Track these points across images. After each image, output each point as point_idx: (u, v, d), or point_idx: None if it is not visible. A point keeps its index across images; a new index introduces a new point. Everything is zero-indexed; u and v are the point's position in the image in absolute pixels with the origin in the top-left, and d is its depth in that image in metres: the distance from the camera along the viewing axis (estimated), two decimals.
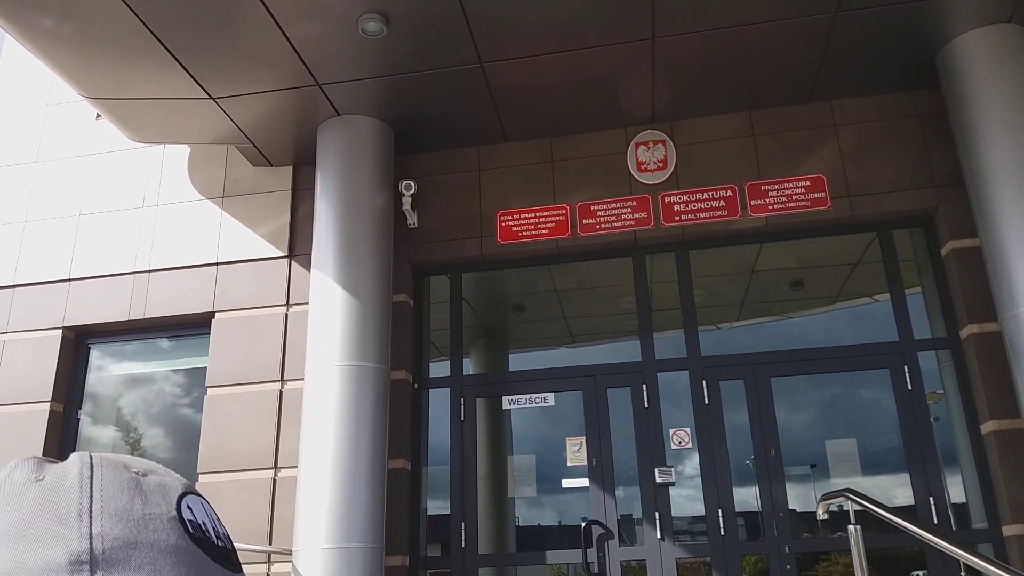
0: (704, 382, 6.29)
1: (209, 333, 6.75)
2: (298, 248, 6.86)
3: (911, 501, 5.81)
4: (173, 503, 0.52)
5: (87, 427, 7.06)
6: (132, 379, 7.28)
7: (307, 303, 6.45)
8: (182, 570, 0.48)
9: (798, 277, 7.12)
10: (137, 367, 7.28)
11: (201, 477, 6.38)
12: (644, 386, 6.33)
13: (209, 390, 6.63)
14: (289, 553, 5.56)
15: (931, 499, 5.76)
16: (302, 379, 6.24)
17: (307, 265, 6.72)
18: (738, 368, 6.35)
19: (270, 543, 5.96)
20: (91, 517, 0.48)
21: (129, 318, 6.91)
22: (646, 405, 6.28)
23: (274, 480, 6.23)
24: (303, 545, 5.34)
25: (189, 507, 0.53)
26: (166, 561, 0.48)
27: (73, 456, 0.52)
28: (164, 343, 7.26)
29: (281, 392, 6.49)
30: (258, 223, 6.96)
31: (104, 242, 7.19)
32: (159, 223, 7.18)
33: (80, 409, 7.00)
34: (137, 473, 0.52)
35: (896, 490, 6.01)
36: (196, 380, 6.94)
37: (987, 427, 5.75)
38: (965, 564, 5.51)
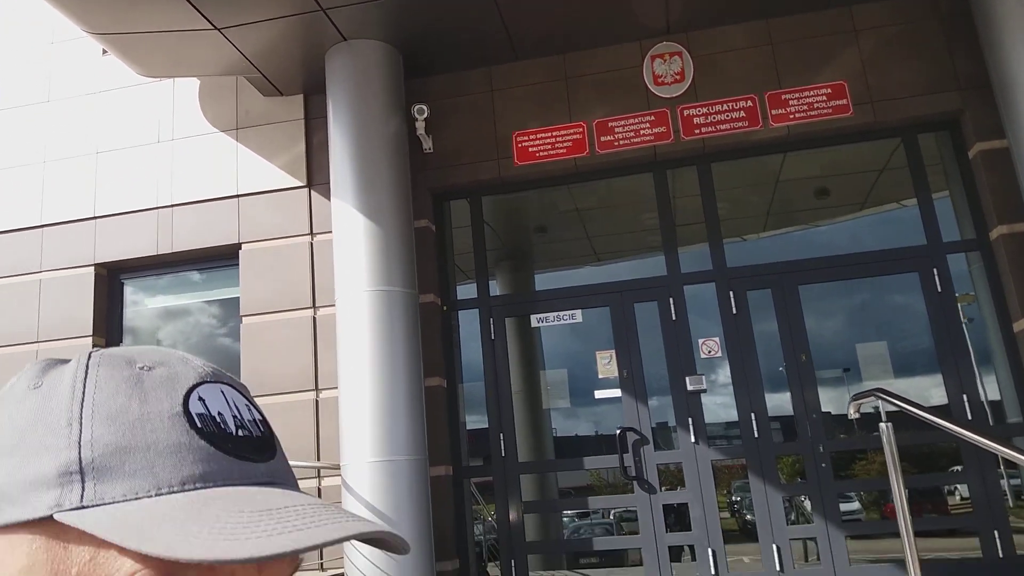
0: (731, 292, 6.30)
1: (237, 264, 6.80)
2: (316, 177, 6.87)
3: (945, 400, 5.86)
4: (179, 397, 0.48)
5: None
6: (168, 312, 7.39)
7: (331, 232, 6.48)
8: (185, 470, 0.45)
9: (823, 185, 7.08)
10: (171, 300, 7.38)
11: None
12: (671, 299, 6.36)
13: (244, 319, 6.72)
14: (337, 468, 5.69)
15: (964, 396, 5.80)
16: (333, 305, 6.31)
17: (327, 194, 6.73)
18: (765, 278, 6.35)
19: (318, 459, 6.11)
20: (81, 424, 0.45)
21: (157, 252, 6.97)
22: (674, 318, 6.31)
23: (316, 401, 6.35)
24: (350, 460, 5.46)
25: (201, 398, 0.49)
26: (165, 463, 0.45)
27: (74, 357, 0.49)
28: (195, 275, 7.34)
29: (314, 318, 6.57)
30: (274, 154, 6.95)
31: (125, 179, 7.22)
32: (177, 157, 7.18)
33: (121, 343, 7.11)
34: (142, 368, 0.49)
35: (931, 390, 6.05)
36: (230, 310, 7.03)
37: (1019, 325, 5.76)
38: (1002, 458, 5.58)
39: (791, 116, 6.49)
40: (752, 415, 5.97)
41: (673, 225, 6.63)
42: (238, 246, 6.85)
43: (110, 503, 0.42)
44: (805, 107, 6.50)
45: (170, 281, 7.36)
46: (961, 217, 6.37)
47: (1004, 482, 5.76)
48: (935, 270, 6.12)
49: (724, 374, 6.21)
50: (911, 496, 5.86)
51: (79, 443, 0.44)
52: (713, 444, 6.04)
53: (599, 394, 6.35)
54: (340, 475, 5.57)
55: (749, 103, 6.56)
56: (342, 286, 5.88)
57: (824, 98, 6.50)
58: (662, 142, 6.59)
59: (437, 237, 6.88)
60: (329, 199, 6.44)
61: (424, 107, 6.42)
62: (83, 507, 0.42)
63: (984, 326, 6.13)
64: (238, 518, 0.42)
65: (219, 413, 0.49)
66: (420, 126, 6.52)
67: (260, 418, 0.52)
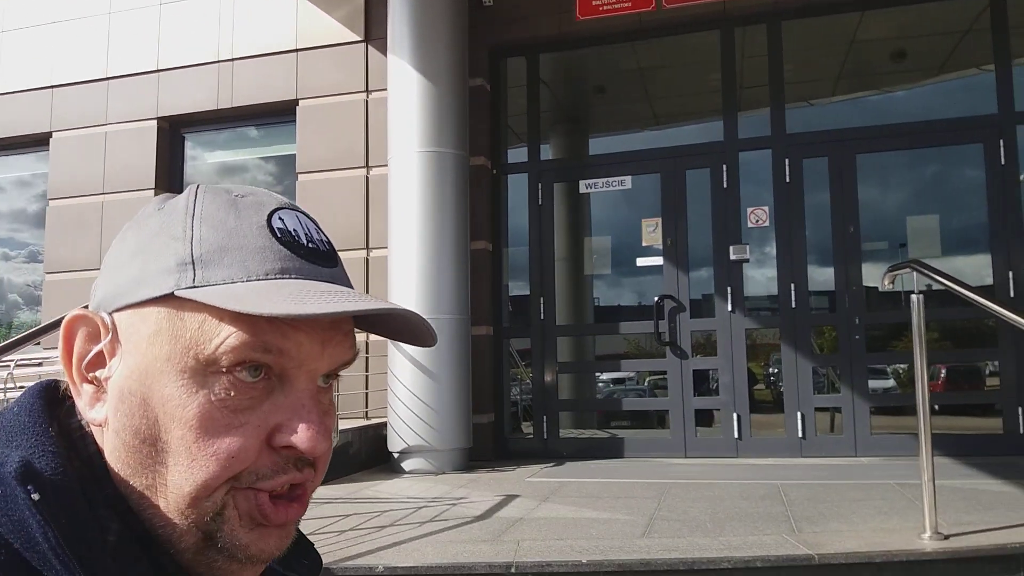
0: (787, 160, 6.20)
1: (295, 121, 6.94)
2: (374, 32, 6.81)
3: (991, 278, 5.80)
4: (264, 215, 0.62)
5: None
6: (225, 167, 7.65)
7: (386, 89, 6.51)
8: (267, 264, 0.59)
9: (900, 48, 6.68)
10: (229, 155, 7.63)
11: None
12: (724, 166, 6.29)
13: (299, 176, 6.95)
14: None
15: (1010, 273, 5.74)
16: (386, 165, 6.46)
17: (384, 50, 6.69)
18: (823, 145, 6.20)
19: None
20: (192, 230, 0.60)
21: (217, 107, 7.15)
22: (725, 185, 6.27)
23: (367, 260, 6.65)
24: None
25: (281, 218, 0.62)
26: (254, 259, 0.59)
27: (187, 188, 0.64)
28: (252, 131, 7.53)
29: (367, 177, 6.75)
30: (332, 6, 6.87)
31: (187, 31, 7.28)
32: (238, 10, 7.18)
33: None
34: (236, 196, 0.63)
35: (981, 269, 5.97)
36: (286, 167, 7.25)
37: None
38: None
39: None
40: (792, 286, 6.05)
41: (735, 88, 6.43)
42: (295, 102, 6.96)
43: (213, 285, 0.58)
44: None
45: (229, 136, 7.57)
46: None
47: None
48: (1001, 141, 5.88)
49: (770, 244, 6.23)
50: (948, 374, 5.99)
51: (191, 242, 0.59)
52: (750, 314, 6.17)
53: (641, 261, 6.45)
54: None
55: None
56: (395, 146, 5.98)
57: None
58: None
59: (492, 97, 6.84)
60: (386, 55, 6.42)
61: None
62: (194, 287, 0.58)
63: None
64: (305, 295, 0.57)
65: (294, 230, 0.63)
66: None
67: (326, 239, 0.67)
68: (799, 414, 5.92)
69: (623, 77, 7.24)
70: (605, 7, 6.51)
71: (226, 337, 0.57)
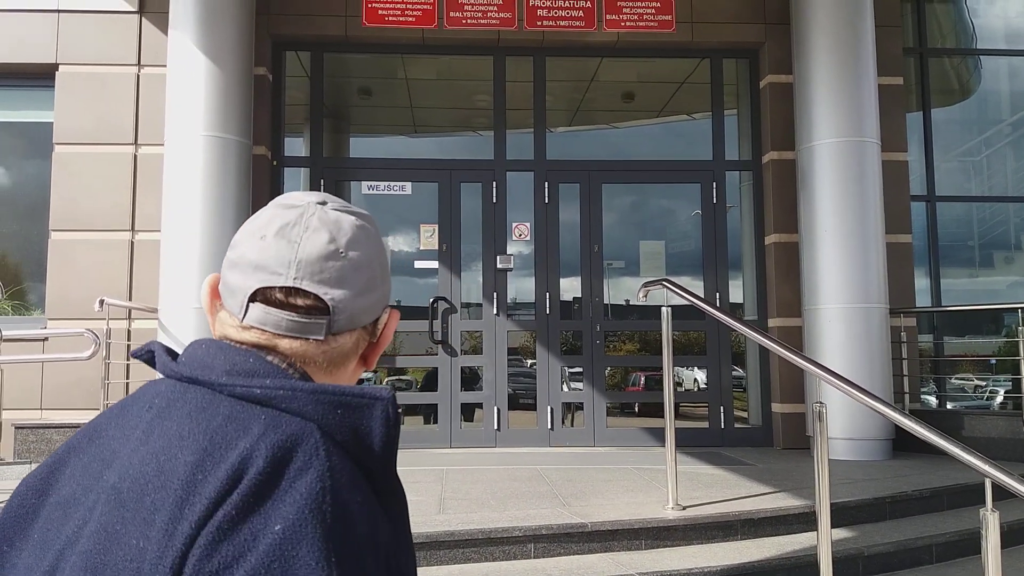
0: (547, 183, 6.96)
1: (53, 87, 6.39)
2: (149, 4, 6.48)
3: (701, 295, 6.95)
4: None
5: None
6: None
7: (161, 65, 6.26)
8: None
9: (630, 90, 7.73)
10: None
11: (54, 235, 6.34)
12: (495, 183, 6.91)
13: (57, 147, 6.40)
14: (154, 310, 5.82)
15: (717, 294, 6.97)
16: (158, 144, 6.21)
17: (160, 24, 6.42)
18: (577, 173, 7.04)
19: (130, 300, 6.17)
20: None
21: None
22: (495, 200, 6.89)
23: (132, 242, 6.32)
24: (172, 304, 5.62)
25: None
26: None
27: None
28: (2, 92, 6.75)
29: (135, 156, 6.41)
30: None
31: None
32: None
33: None
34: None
35: (690, 287, 7.09)
36: (39, 136, 6.61)
37: (770, 239, 6.93)
38: (737, 343, 6.86)
39: (623, 23, 7.02)
40: (547, 294, 6.81)
41: (505, 113, 7.05)
42: (55, 67, 6.41)
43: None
44: (636, 16, 7.04)
45: None
46: (742, 138, 7.35)
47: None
48: (715, 184, 7.10)
49: (530, 256, 6.94)
50: (647, 380, 7.06)
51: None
52: (511, 316, 6.83)
53: (418, 264, 6.85)
54: (157, 317, 5.74)
55: (588, 3, 6.98)
56: (175, 127, 5.78)
57: (653, 11, 7.07)
58: (507, 28, 6.90)
59: (274, 87, 6.85)
60: (162, 30, 6.17)
61: None
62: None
63: (740, 237, 7.23)
64: None
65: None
66: None
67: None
68: (549, 408, 6.69)
69: (391, 83, 7.51)
70: (390, 18, 6.83)
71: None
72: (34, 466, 5.17)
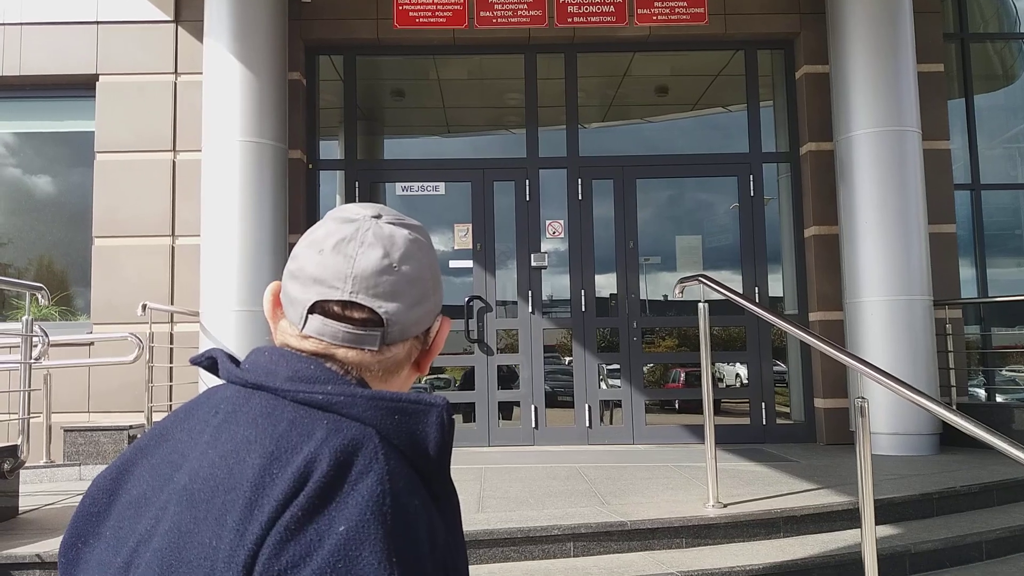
0: (579, 180, 6.92)
1: (94, 97, 6.53)
2: (185, 13, 6.59)
3: (740, 290, 6.87)
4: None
5: None
6: (5, 142, 6.95)
7: (198, 72, 6.36)
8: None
9: (664, 84, 7.67)
10: (11, 128, 6.93)
11: (97, 241, 6.48)
12: (527, 181, 6.90)
13: (98, 155, 6.54)
14: (195, 314, 5.92)
15: (756, 289, 6.88)
16: (196, 150, 6.31)
17: (195, 33, 6.53)
18: (610, 169, 7.00)
19: (171, 304, 6.28)
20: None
21: (2, 74, 6.52)
22: (527, 198, 6.88)
23: (172, 248, 6.43)
24: (212, 307, 5.71)
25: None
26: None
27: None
28: (44, 104, 6.90)
29: (174, 162, 6.52)
30: None
31: None
32: None
33: None
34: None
35: (729, 282, 7.03)
36: (81, 145, 6.75)
37: (810, 231, 6.82)
38: (778, 338, 6.77)
39: (654, 17, 6.96)
40: (582, 291, 6.78)
41: (536, 111, 7.04)
42: (95, 77, 6.55)
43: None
44: (667, 10, 6.98)
45: (14, 107, 6.90)
46: (779, 130, 7.24)
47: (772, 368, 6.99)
48: (751, 176, 7.01)
49: (565, 254, 6.92)
50: (687, 376, 6.99)
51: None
52: (546, 314, 6.82)
53: (453, 263, 6.86)
54: (199, 321, 5.84)
55: None
56: (212, 133, 5.87)
57: (685, 4, 7.00)
58: (537, 25, 6.88)
59: (307, 91, 6.92)
60: (198, 38, 6.26)
61: None
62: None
63: (779, 230, 7.14)
64: None
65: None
66: None
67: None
68: (587, 406, 6.66)
69: (424, 84, 7.55)
70: (421, 19, 6.86)
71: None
72: (83, 468, 5.31)
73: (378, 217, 0.88)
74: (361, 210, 0.89)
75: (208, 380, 5.35)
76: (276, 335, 0.89)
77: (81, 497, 0.84)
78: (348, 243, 0.85)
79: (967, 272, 7.11)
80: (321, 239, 0.87)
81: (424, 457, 0.78)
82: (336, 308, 0.84)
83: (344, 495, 0.70)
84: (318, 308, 0.84)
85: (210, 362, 0.87)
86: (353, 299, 0.84)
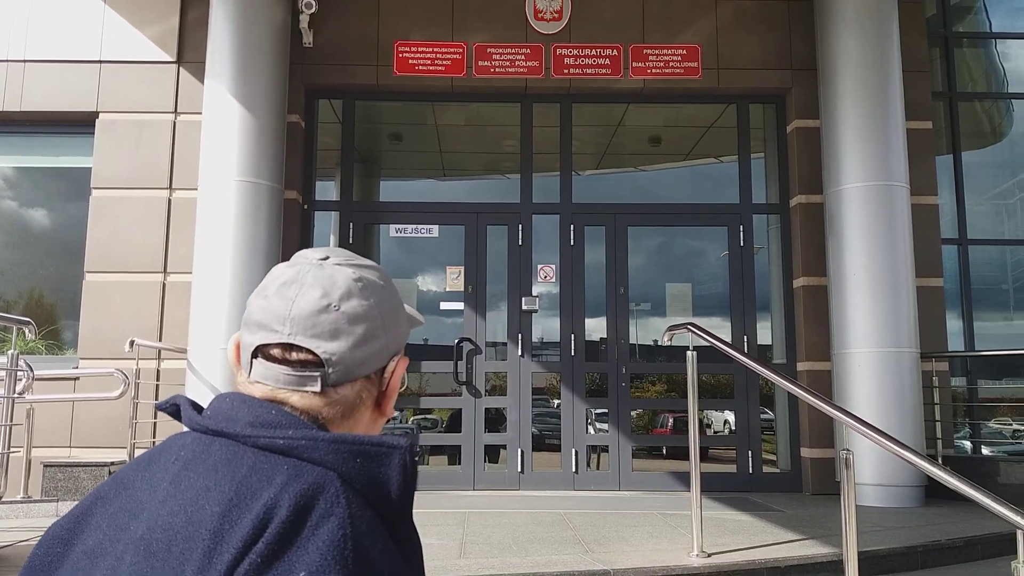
0: (572, 226, 6.99)
1: (93, 133, 6.60)
2: (188, 55, 6.71)
3: (729, 338, 6.90)
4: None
5: None
6: (5, 175, 7.01)
7: (197, 112, 6.44)
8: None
9: (657, 134, 7.78)
10: (11, 161, 6.99)
11: (88, 276, 6.49)
12: (520, 225, 6.96)
13: (95, 191, 6.59)
14: (183, 351, 5.91)
15: (745, 338, 6.91)
16: (192, 189, 6.36)
17: (197, 73, 6.63)
18: (602, 215, 7.07)
19: (160, 340, 6.27)
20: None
21: (3, 109, 6.59)
22: (520, 242, 6.93)
23: (163, 284, 6.45)
24: (201, 345, 5.70)
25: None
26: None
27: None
28: (45, 140, 6.96)
29: (169, 200, 6.57)
30: (145, 23, 6.68)
31: None
32: (34, 10, 6.71)
33: None
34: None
35: (718, 330, 7.05)
36: (78, 180, 6.81)
37: (799, 282, 6.87)
38: (765, 386, 6.77)
39: (649, 71, 7.09)
40: (572, 336, 6.80)
41: (531, 158, 7.13)
42: (95, 115, 6.63)
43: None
44: (662, 64, 7.12)
45: (14, 142, 6.98)
46: (770, 182, 7.34)
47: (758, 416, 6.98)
48: (741, 227, 7.08)
49: (555, 298, 6.95)
50: (675, 422, 6.97)
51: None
52: (535, 358, 6.83)
53: (444, 305, 6.89)
54: (187, 358, 5.83)
55: (615, 52, 7.07)
56: (209, 173, 5.93)
57: (679, 58, 7.14)
58: (534, 76, 7.01)
59: (306, 134, 7.01)
60: (199, 78, 6.35)
61: (312, 1, 6.41)
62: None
63: (768, 279, 7.18)
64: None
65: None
66: (305, 19, 6.55)
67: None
68: (573, 451, 6.63)
69: (420, 129, 7.63)
70: (421, 67, 6.98)
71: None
72: (61, 505, 5.24)
73: (325, 259, 0.89)
74: (311, 254, 0.90)
75: None
76: (237, 384, 0.89)
77: (34, 546, 0.82)
78: (289, 286, 0.86)
79: (954, 325, 7.16)
80: (267, 285, 0.88)
81: (386, 500, 0.77)
82: (276, 351, 0.84)
83: (304, 540, 0.69)
84: (260, 352, 0.85)
85: (174, 409, 0.86)
86: (291, 340, 0.83)
